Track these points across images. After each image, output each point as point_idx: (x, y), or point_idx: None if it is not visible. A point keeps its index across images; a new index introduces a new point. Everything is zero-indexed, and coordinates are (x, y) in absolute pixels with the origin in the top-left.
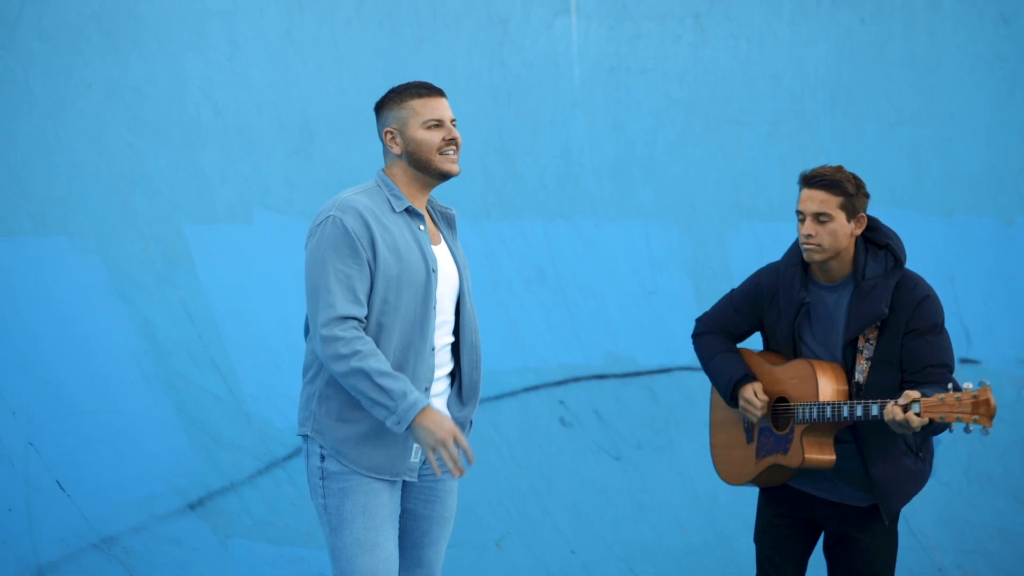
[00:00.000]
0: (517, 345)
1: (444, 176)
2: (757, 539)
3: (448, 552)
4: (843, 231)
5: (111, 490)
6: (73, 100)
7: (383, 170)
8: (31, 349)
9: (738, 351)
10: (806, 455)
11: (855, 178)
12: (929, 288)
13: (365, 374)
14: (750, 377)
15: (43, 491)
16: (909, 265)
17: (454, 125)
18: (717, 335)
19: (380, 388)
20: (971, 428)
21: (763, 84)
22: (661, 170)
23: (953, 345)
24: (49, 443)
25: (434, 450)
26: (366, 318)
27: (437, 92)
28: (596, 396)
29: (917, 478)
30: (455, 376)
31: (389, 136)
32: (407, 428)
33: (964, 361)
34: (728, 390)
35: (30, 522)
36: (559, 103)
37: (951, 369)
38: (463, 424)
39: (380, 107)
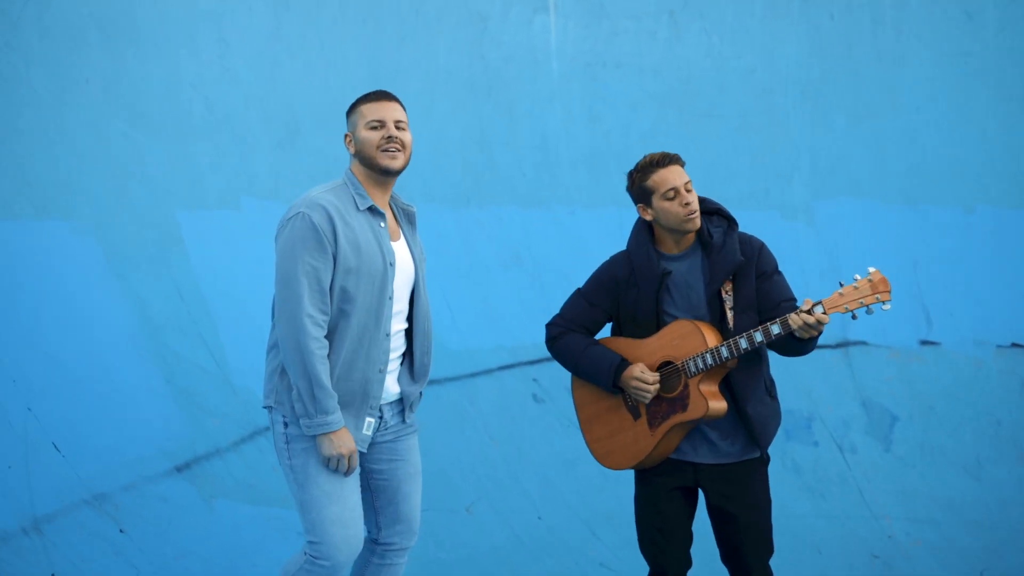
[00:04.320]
0: (493, 325)
1: (385, 171)
2: (644, 515)
3: (420, 515)
4: None
5: (104, 452)
6: (73, 95)
7: (349, 168)
8: (33, 324)
9: (600, 342)
10: (709, 402)
11: None
12: (760, 239)
13: (307, 375)
14: (626, 362)
15: (40, 451)
16: (875, 252)
17: (400, 128)
18: (575, 333)
19: (312, 395)
20: (872, 309)
21: (734, 79)
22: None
23: (914, 327)
24: (47, 409)
25: (329, 459)
26: (330, 306)
27: (386, 97)
28: (568, 374)
29: (777, 415)
30: (407, 355)
31: (347, 139)
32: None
33: (924, 343)
34: (610, 379)
35: (28, 478)
36: (537, 96)
37: (795, 300)
38: (412, 396)
39: (347, 115)
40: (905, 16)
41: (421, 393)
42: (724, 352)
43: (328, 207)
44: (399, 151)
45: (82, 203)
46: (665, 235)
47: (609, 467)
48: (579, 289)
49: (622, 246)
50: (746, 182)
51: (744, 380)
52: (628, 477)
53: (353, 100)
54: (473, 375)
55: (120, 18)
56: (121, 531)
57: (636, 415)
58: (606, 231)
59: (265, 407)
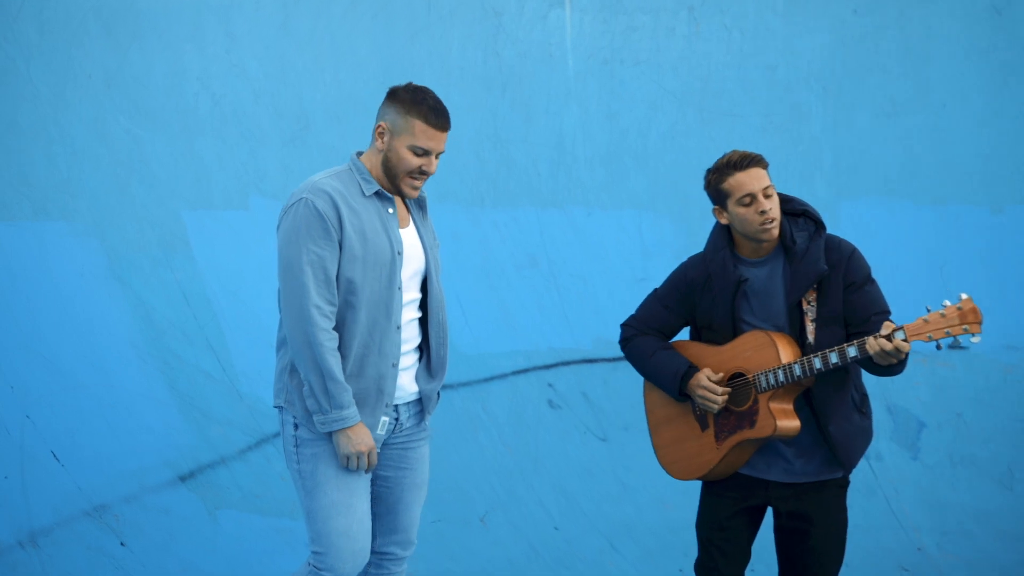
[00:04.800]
0: (508, 329)
1: (400, 194)
2: (706, 531)
3: (432, 526)
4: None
5: (104, 461)
6: (73, 90)
7: (359, 155)
8: (31, 328)
9: (672, 346)
10: (778, 422)
11: None
12: (851, 244)
13: (319, 368)
14: (694, 368)
15: (38, 461)
16: (901, 254)
17: (437, 159)
18: (648, 335)
19: (325, 389)
20: (960, 341)
21: (756, 75)
22: (654, 160)
23: None
24: (45, 416)
25: (347, 457)
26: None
27: (443, 126)
28: (585, 379)
29: (866, 434)
30: (424, 350)
31: (379, 130)
32: (328, 433)
33: (952, 347)
34: (676, 385)
35: (24, 489)
36: (553, 93)
37: (889, 314)
38: (431, 396)
39: (390, 97)
40: (932, 10)
41: (439, 394)
42: (797, 370)
43: (332, 192)
44: (423, 182)
45: (82, 203)
46: (743, 240)
47: (673, 475)
48: (656, 290)
49: (641, 248)
50: None
51: (827, 396)
52: (648, 487)
53: (407, 89)
54: (487, 380)
55: (123, 10)
56: (122, 544)
57: (704, 425)
58: (624, 233)
59: (275, 407)
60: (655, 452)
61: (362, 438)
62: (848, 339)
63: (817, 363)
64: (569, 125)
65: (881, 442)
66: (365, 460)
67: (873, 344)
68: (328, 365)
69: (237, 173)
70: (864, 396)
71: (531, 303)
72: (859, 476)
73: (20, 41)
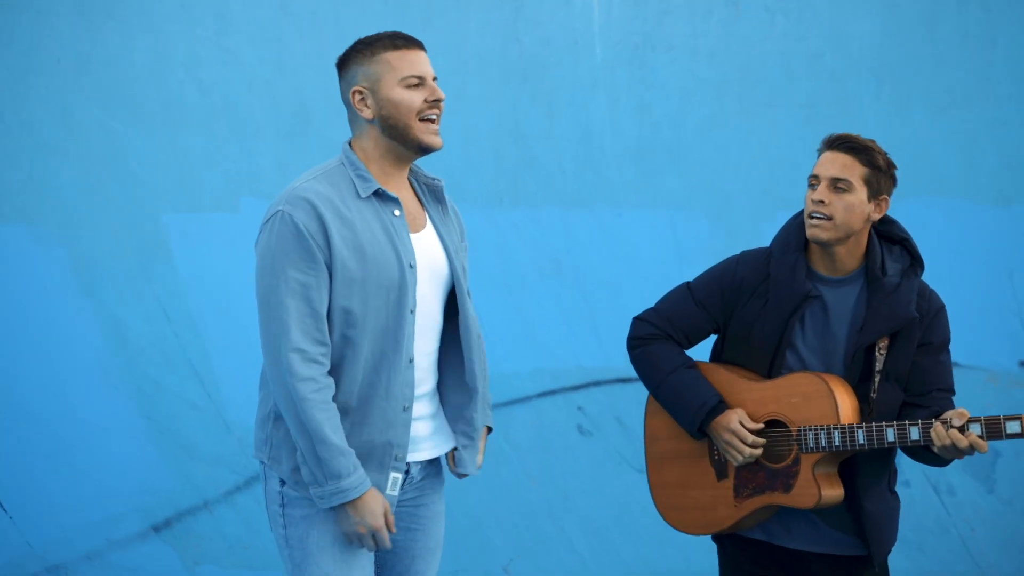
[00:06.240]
0: (531, 345)
1: (423, 150)
2: None
3: None
4: (860, 210)
5: (62, 511)
6: (38, 75)
7: (349, 142)
8: None
9: (697, 367)
10: (823, 492)
11: (887, 156)
12: (941, 299)
13: (305, 430)
14: (724, 405)
15: None
16: (963, 259)
17: (436, 83)
18: (669, 341)
19: (316, 456)
20: None
21: (801, 63)
22: (689, 156)
23: (1013, 346)
24: None
25: (349, 537)
26: (329, 332)
27: (416, 44)
28: (619, 402)
29: (897, 514)
30: (449, 383)
31: (358, 97)
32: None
33: None
34: (698, 420)
35: None
36: (579, 83)
37: (953, 394)
38: (479, 421)
39: (345, 62)
40: None
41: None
42: (861, 438)
43: (316, 200)
44: (439, 120)
45: (46, 204)
46: (815, 244)
47: (670, 523)
48: (688, 283)
49: (676, 252)
50: None
51: (870, 467)
52: None
53: (355, 44)
54: (507, 404)
55: None
56: None
57: (722, 474)
58: (657, 235)
59: (257, 460)
60: (651, 490)
61: (370, 511)
62: (902, 407)
63: (891, 435)
64: (596, 118)
65: (953, 474)
66: (385, 537)
67: (941, 435)
68: (316, 425)
69: (227, 172)
70: (895, 473)
71: (555, 314)
72: (930, 514)
73: None
